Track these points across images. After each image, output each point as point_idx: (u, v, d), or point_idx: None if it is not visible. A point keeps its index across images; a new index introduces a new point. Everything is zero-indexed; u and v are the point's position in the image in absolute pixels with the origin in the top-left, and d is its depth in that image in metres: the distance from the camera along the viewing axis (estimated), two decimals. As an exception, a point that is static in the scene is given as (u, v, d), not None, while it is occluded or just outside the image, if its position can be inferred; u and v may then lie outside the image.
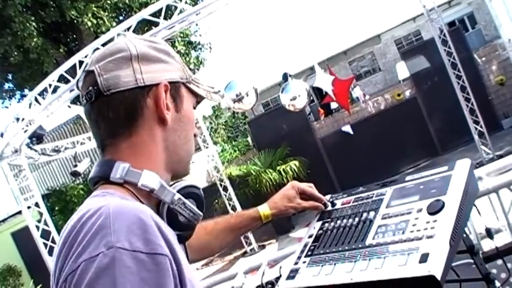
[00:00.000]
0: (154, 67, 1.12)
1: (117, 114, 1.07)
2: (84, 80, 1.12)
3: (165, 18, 8.60)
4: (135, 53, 1.10)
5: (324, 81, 12.76)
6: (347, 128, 15.63)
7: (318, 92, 20.68)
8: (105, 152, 1.12)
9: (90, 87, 1.08)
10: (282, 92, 11.44)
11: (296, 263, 1.63)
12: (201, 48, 20.49)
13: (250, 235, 13.01)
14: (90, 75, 1.09)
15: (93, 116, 1.10)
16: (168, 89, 1.12)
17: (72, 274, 0.84)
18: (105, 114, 1.08)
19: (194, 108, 1.25)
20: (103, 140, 1.12)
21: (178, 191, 1.12)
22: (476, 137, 11.43)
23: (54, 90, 9.05)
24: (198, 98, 1.25)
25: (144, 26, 12.17)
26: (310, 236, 1.74)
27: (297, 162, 14.19)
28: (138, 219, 0.88)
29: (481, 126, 11.30)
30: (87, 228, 0.88)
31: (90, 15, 15.12)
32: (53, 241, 9.71)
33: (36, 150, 11.34)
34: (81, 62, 8.66)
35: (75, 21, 14.96)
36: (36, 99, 9.56)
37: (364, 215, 1.62)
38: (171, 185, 1.16)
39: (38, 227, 9.97)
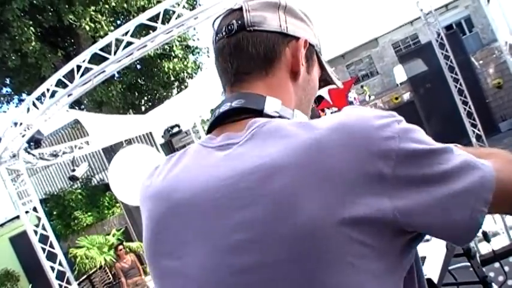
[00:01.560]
0: (297, 23, 1.12)
1: (257, 51, 1.06)
2: (226, 16, 1.12)
3: (162, 23, 8.60)
4: (283, 3, 1.11)
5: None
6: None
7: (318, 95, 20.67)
8: (235, 87, 1.09)
9: (234, 21, 1.08)
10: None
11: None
12: (198, 53, 20.53)
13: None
14: (236, 12, 1.10)
15: (227, 49, 1.08)
16: (306, 47, 1.11)
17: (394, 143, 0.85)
18: (243, 49, 1.06)
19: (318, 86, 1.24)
20: (236, 75, 1.08)
21: None
22: (473, 140, 11.43)
23: (52, 95, 9.03)
24: (322, 74, 1.23)
25: (141, 30, 12.16)
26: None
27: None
28: None
29: (478, 129, 11.30)
30: (361, 118, 0.88)
31: (88, 19, 15.14)
32: (51, 246, 9.68)
33: (34, 155, 11.32)
34: (79, 67, 8.65)
35: (73, 25, 14.99)
36: (34, 104, 9.54)
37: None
38: None
39: (36, 232, 9.94)
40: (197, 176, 0.97)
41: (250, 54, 1.06)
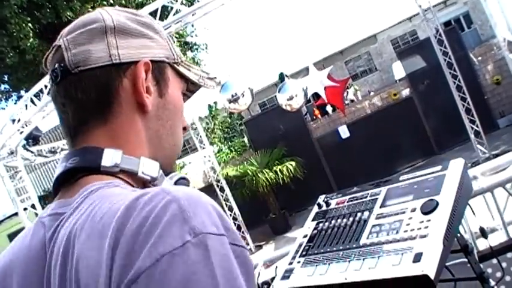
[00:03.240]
0: (133, 42, 0.93)
1: (88, 96, 0.89)
2: (52, 55, 0.94)
3: (160, 19, 8.60)
4: (111, 24, 0.92)
5: (316, 83, 12.74)
6: (343, 131, 15.64)
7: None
8: (75, 142, 0.92)
9: (57, 64, 0.90)
10: (278, 92, 11.47)
11: (291, 263, 1.64)
12: (197, 49, 20.50)
13: (247, 235, 13.03)
14: (58, 50, 0.92)
15: (59, 98, 0.92)
16: (150, 68, 0.93)
17: (147, 274, 0.63)
18: (73, 96, 0.89)
19: (186, 97, 1.09)
20: (73, 128, 0.92)
21: (175, 183, 0.95)
22: (472, 136, 11.45)
23: (50, 92, 9.04)
24: (190, 85, 1.06)
25: (140, 27, 12.16)
26: (305, 236, 1.75)
27: (293, 163, 14.19)
28: (211, 205, 0.72)
29: (477, 126, 11.32)
30: (153, 218, 0.67)
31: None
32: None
33: (32, 152, 11.32)
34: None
35: (71, 22, 14.95)
36: (32, 101, 9.54)
37: (359, 215, 1.62)
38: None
39: (34, 229, 9.94)
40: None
41: (81, 101, 0.89)
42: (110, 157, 0.87)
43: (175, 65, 1.00)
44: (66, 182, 0.90)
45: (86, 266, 0.71)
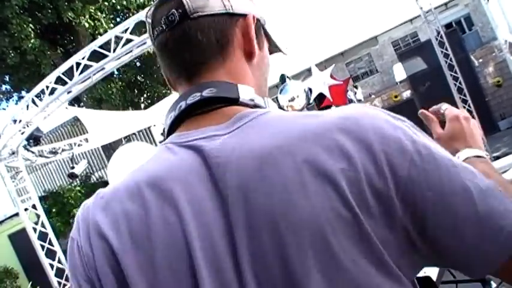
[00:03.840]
0: None
1: (208, 38, 0.95)
2: (160, 6, 0.98)
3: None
4: None
5: (320, 83, 12.74)
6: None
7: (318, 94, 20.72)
8: (194, 79, 0.96)
9: (173, 10, 0.94)
10: (280, 93, 11.46)
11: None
12: (198, 50, 20.52)
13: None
14: (171, 0, 0.96)
15: (173, 43, 0.96)
16: (255, 23, 1.01)
17: (413, 156, 0.79)
18: (192, 39, 0.94)
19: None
20: (191, 67, 0.97)
21: None
22: (473, 138, 11.44)
23: (52, 92, 9.04)
24: (270, 47, 1.12)
25: (141, 28, 12.15)
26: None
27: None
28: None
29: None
30: (387, 122, 0.84)
31: (87, 16, 15.14)
32: (50, 243, 9.70)
33: (33, 152, 11.33)
34: (78, 64, 8.65)
35: (72, 22, 14.98)
36: (33, 101, 9.55)
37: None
38: None
39: (35, 229, 9.95)
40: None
41: (201, 43, 0.95)
42: (247, 92, 0.94)
43: (266, 26, 1.08)
44: (202, 110, 0.93)
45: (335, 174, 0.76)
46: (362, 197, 0.75)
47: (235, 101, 0.92)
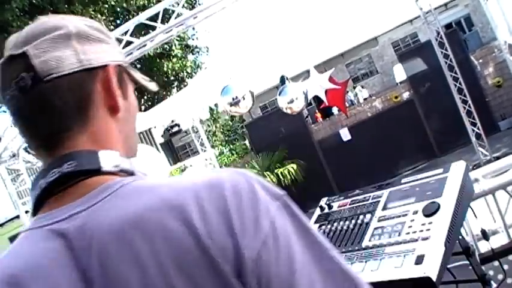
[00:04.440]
0: (97, 47, 0.91)
1: (65, 102, 0.85)
2: (8, 66, 0.87)
3: (162, 22, 8.61)
4: (74, 30, 0.89)
5: (317, 86, 12.73)
6: (345, 134, 15.63)
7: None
8: (56, 150, 0.87)
9: (23, 74, 0.84)
10: (279, 95, 11.48)
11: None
12: (198, 52, 20.54)
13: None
14: (18, 60, 0.85)
15: (28, 110, 0.87)
16: (116, 72, 0.93)
17: (264, 242, 0.74)
18: (49, 104, 0.85)
19: None
20: (51, 136, 0.87)
21: None
22: (473, 138, 11.44)
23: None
24: (135, 86, 1.03)
25: (141, 30, 12.17)
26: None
27: (294, 165, 14.21)
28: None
29: (478, 128, 11.31)
30: (248, 194, 0.78)
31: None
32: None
33: (34, 155, 11.33)
34: (78, 66, 8.68)
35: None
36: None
37: (361, 217, 1.63)
38: None
39: (36, 231, 9.95)
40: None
41: (58, 109, 0.86)
42: (108, 158, 0.86)
43: (127, 68, 0.99)
44: (58, 189, 0.85)
45: (175, 248, 0.73)
46: (200, 274, 0.73)
47: (97, 172, 0.84)
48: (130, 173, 0.89)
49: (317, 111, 21.71)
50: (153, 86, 1.09)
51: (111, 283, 0.74)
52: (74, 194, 0.83)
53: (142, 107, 20.77)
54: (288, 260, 0.75)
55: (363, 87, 25.64)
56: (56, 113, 0.86)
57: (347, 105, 19.02)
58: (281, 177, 13.84)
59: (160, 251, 0.73)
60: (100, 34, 0.94)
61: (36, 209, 0.87)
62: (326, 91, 12.24)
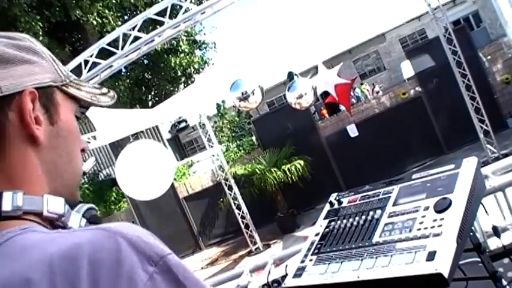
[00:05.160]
0: (15, 70, 0.84)
1: None
2: None
3: (170, 18, 8.62)
4: None
5: (326, 81, 12.70)
6: (352, 130, 15.58)
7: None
8: None
9: None
10: (288, 90, 11.47)
11: (303, 261, 1.64)
12: (205, 48, 20.54)
13: (255, 234, 13.04)
14: None
15: None
16: (36, 96, 0.85)
17: None
18: None
19: (78, 117, 0.98)
20: None
21: (83, 214, 0.90)
22: (481, 135, 11.40)
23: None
24: (82, 103, 0.98)
25: (149, 25, 12.20)
26: (317, 234, 1.74)
27: (301, 161, 14.18)
28: (146, 231, 0.77)
29: (486, 125, 11.27)
30: (113, 263, 0.69)
31: (95, 14, 15.20)
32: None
33: None
34: (86, 61, 8.69)
35: (80, 20, 15.05)
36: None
37: (371, 213, 1.62)
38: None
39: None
40: None
41: None
42: (9, 200, 0.79)
43: (63, 87, 0.93)
44: None
45: None
46: None
47: None
48: (37, 214, 0.82)
49: (322, 107, 21.70)
50: (105, 99, 1.02)
51: None
52: None
53: (150, 103, 20.81)
54: None
55: (373, 84, 25.58)
56: None
57: (354, 101, 19.01)
58: (288, 173, 13.81)
59: None
60: (24, 54, 0.87)
61: None
62: (335, 86, 12.19)
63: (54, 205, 0.84)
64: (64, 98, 0.92)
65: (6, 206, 0.78)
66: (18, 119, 0.83)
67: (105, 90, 1.03)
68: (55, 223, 0.85)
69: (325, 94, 13.31)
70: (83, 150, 0.98)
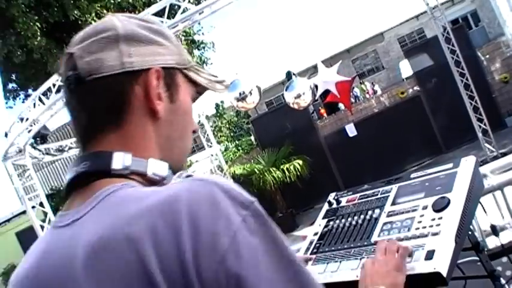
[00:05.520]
0: (145, 49, 0.94)
1: (101, 103, 0.91)
2: (65, 64, 0.94)
3: (168, 18, 8.61)
4: (123, 32, 0.93)
5: (326, 80, 12.70)
6: (350, 129, 15.58)
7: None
8: (88, 146, 0.93)
9: (70, 72, 0.91)
10: (286, 90, 11.46)
11: (301, 261, 1.64)
12: (204, 47, 20.52)
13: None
14: (70, 58, 0.92)
15: (72, 105, 0.94)
16: (161, 75, 0.95)
17: (227, 252, 0.71)
18: (86, 104, 0.91)
19: (194, 100, 1.08)
20: (86, 134, 0.94)
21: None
22: (480, 134, 11.41)
23: (58, 90, 9.07)
24: (198, 88, 1.07)
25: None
26: (316, 234, 1.75)
27: (300, 161, 14.18)
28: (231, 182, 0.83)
29: (484, 124, 11.28)
30: (211, 205, 0.75)
31: (93, 14, 15.16)
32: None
33: (40, 150, 11.37)
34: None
35: (79, 21, 15.00)
36: (40, 99, 9.58)
37: (370, 212, 1.62)
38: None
39: (42, 227, 10.00)
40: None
41: (95, 108, 0.91)
42: (120, 160, 0.88)
43: (185, 70, 1.02)
44: (79, 186, 0.91)
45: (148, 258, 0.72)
46: None
47: (107, 173, 0.88)
48: (142, 174, 0.91)
49: (321, 107, 21.71)
50: (220, 87, 1.11)
51: None
52: (83, 196, 0.88)
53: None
54: (254, 275, 0.72)
55: (372, 83, 25.60)
56: (92, 112, 0.92)
57: (352, 101, 19.01)
58: (287, 172, 13.82)
59: (114, 282, 0.73)
60: (154, 36, 0.97)
61: (68, 193, 0.93)
62: (336, 84, 12.19)
63: (158, 168, 0.93)
64: (184, 80, 1.02)
65: (117, 165, 0.88)
66: (143, 93, 0.93)
67: (220, 78, 1.12)
68: (158, 185, 0.91)
69: (325, 94, 13.31)
70: (194, 132, 1.07)
